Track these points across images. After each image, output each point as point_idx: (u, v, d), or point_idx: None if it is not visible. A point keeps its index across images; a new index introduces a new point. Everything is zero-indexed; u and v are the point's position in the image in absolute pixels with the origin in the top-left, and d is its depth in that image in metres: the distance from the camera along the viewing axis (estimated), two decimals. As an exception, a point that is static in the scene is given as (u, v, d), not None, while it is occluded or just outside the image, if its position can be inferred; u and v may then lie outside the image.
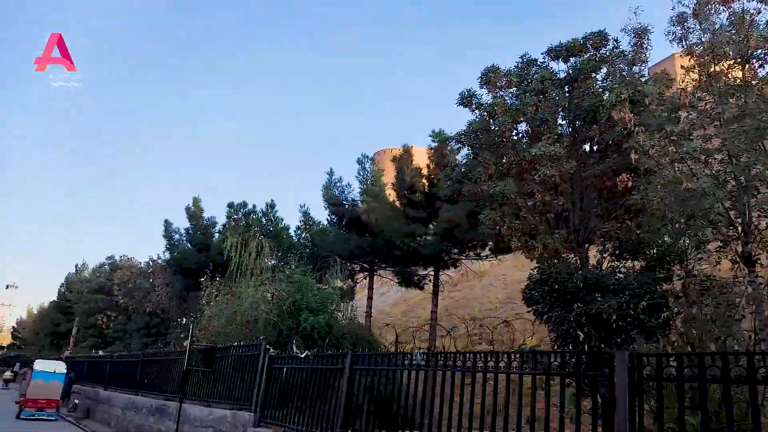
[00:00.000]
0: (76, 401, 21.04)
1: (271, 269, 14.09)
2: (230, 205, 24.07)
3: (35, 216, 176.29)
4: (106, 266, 34.75)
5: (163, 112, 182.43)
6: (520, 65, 13.64)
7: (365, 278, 20.40)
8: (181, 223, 26.46)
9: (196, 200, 26.04)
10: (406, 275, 18.62)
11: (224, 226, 24.28)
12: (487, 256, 17.87)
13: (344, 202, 19.30)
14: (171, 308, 28.15)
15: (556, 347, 9.00)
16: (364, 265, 19.85)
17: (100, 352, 25.55)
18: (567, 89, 13.21)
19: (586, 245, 12.65)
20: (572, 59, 13.30)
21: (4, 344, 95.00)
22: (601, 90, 12.41)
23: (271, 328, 12.32)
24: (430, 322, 17.18)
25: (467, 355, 5.57)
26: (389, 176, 18.86)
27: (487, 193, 12.38)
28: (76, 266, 49.07)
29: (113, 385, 19.43)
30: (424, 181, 17.95)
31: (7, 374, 39.35)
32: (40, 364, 18.92)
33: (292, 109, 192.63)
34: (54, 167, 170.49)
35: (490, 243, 16.01)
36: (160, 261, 28.99)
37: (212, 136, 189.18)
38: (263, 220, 23.78)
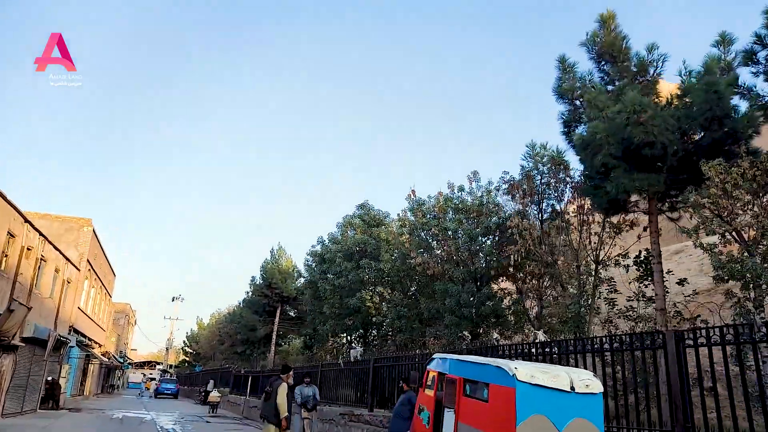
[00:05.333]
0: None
1: None
2: None
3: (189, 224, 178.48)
4: (356, 219, 22.08)
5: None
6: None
7: None
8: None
9: None
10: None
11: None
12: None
13: None
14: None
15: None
16: None
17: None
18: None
19: None
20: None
21: (173, 362, 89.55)
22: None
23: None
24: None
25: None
26: None
27: None
28: (272, 251, 37.85)
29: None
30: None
31: (215, 393, 28.14)
32: (532, 371, 5.40)
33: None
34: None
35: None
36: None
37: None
38: None
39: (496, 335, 13.23)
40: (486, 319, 16.67)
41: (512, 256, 13.71)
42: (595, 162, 11.41)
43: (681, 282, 14.05)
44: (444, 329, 17.14)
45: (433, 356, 7.29)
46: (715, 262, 9.97)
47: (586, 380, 5.57)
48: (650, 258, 14.73)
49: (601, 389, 5.59)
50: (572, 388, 5.43)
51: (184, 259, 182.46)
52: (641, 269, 14.83)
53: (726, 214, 10.33)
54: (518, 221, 14.17)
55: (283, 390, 8.50)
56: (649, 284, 14.58)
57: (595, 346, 7.55)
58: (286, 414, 8.38)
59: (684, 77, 12.11)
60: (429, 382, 7.19)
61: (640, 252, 15.23)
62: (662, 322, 11.81)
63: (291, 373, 9.18)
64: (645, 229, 14.61)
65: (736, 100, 10.46)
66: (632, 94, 10.90)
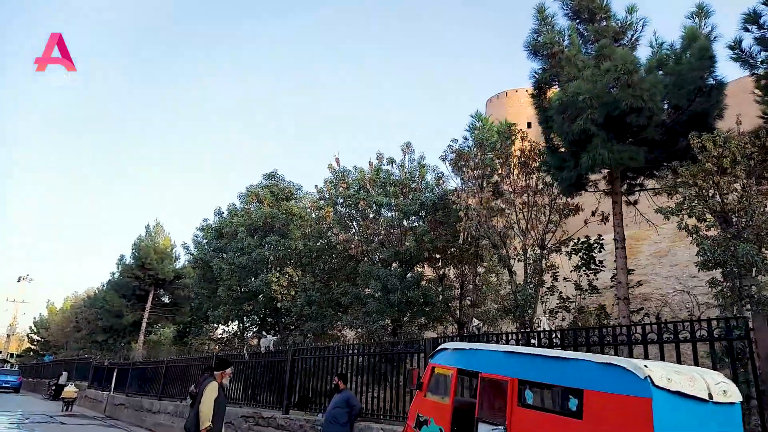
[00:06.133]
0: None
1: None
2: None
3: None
4: (263, 189, 19.14)
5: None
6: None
7: None
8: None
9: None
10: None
11: None
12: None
13: None
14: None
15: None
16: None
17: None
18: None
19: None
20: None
21: (16, 351, 78.51)
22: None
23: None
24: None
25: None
26: None
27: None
28: (147, 227, 33.42)
29: None
30: None
31: (70, 388, 23.76)
32: (666, 372, 3.47)
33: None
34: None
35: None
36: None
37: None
38: None
39: (477, 322, 11.35)
40: (412, 306, 14.81)
41: (462, 234, 11.95)
42: (574, 128, 9.91)
43: (628, 271, 13.18)
44: (364, 317, 15.07)
45: (443, 345, 5.15)
46: (706, 246, 8.88)
47: (722, 384, 3.75)
48: (596, 245, 13.84)
49: (740, 397, 3.81)
50: (710, 396, 3.59)
51: (35, 234, 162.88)
52: (583, 257, 13.88)
53: (712, 194, 9.36)
54: (465, 197, 12.45)
55: (210, 392, 5.95)
56: (590, 273, 13.70)
57: (633, 336, 5.87)
58: (208, 424, 5.83)
59: (655, 48, 11.14)
60: (434, 384, 5.05)
61: (578, 239, 14.31)
62: (626, 312, 10.69)
63: (229, 371, 6.59)
64: (593, 214, 13.65)
65: (735, 67, 9.46)
66: (623, 52, 9.57)
